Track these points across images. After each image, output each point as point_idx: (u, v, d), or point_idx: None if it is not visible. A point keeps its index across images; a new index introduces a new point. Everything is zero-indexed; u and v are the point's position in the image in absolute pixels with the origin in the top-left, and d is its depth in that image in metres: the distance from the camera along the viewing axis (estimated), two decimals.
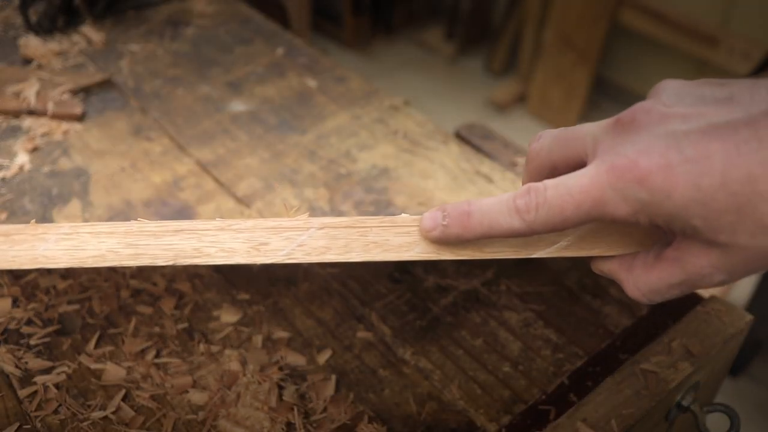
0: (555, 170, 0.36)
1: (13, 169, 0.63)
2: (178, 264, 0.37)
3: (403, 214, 0.38)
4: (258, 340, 0.48)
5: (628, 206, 0.31)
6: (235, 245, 0.37)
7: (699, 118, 0.30)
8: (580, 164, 0.34)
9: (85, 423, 0.43)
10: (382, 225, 0.38)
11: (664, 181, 0.29)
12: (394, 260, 0.37)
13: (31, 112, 0.69)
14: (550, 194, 0.32)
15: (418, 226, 0.38)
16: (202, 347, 0.48)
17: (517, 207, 0.33)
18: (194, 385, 0.45)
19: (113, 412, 0.43)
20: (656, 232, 0.36)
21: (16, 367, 0.46)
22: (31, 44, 0.79)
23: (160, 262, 0.37)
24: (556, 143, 0.36)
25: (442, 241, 0.37)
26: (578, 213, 0.32)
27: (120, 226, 0.38)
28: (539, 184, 0.33)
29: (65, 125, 0.68)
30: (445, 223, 0.36)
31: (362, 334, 0.49)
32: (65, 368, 0.46)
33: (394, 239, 0.37)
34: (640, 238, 0.37)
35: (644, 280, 0.34)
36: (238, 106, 0.72)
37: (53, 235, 0.38)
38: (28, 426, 0.42)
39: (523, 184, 0.36)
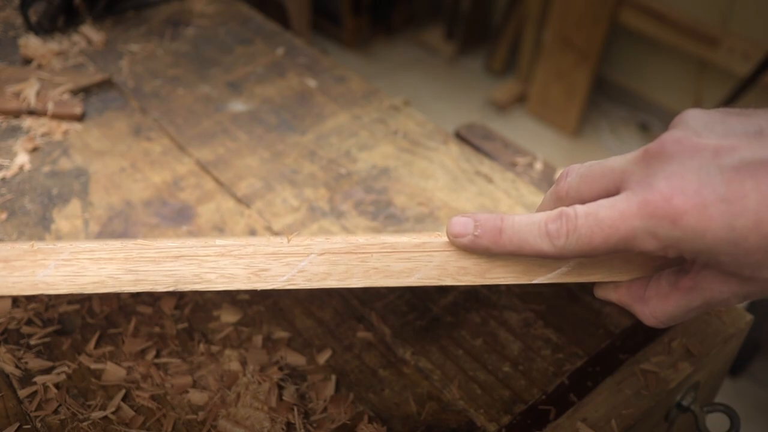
0: None
1: (13, 169, 0.63)
2: (178, 290, 0.37)
3: (403, 238, 0.38)
4: (258, 340, 0.48)
5: (658, 242, 0.31)
6: (236, 271, 0.37)
7: (731, 153, 0.29)
8: None
9: (85, 423, 0.43)
10: (382, 251, 0.37)
11: (698, 221, 0.29)
12: (395, 286, 0.37)
13: (31, 112, 0.69)
14: (581, 223, 0.32)
15: (418, 251, 0.37)
16: (202, 347, 0.48)
17: (549, 231, 0.33)
18: (194, 385, 0.45)
19: (113, 412, 0.43)
20: (659, 258, 0.36)
21: (16, 367, 0.46)
22: (31, 44, 0.79)
23: (161, 288, 0.37)
24: (584, 183, 0.35)
25: (468, 250, 0.37)
26: (606, 245, 0.32)
27: (119, 252, 0.38)
28: (570, 211, 0.33)
29: (65, 125, 0.68)
30: (477, 233, 0.35)
31: (362, 334, 0.49)
32: (65, 368, 0.46)
33: (394, 265, 0.37)
34: (640, 263, 0.37)
35: (661, 309, 0.35)
36: (238, 106, 0.72)
37: (53, 261, 0.38)
38: (28, 426, 0.42)
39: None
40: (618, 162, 0.33)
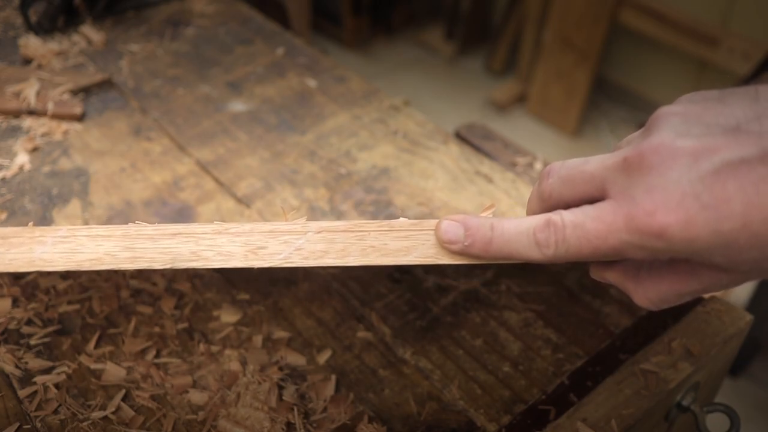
0: (568, 208, 0.36)
1: (13, 169, 0.63)
2: (175, 267, 0.37)
3: (401, 219, 0.38)
4: (258, 340, 0.48)
5: (647, 253, 0.31)
6: (233, 249, 0.37)
7: (711, 156, 0.29)
8: (592, 202, 0.34)
9: (85, 423, 0.43)
10: (380, 229, 0.38)
11: (684, 232, 0.29)
12: (392, 264, 0.37)
13: (31, 112, 0.69)
14: (569, 233, 0.33)
15: (415, 230, 0.38)
16: (202, 347, 0.48)
17: (538, 240, 0.34)
18: (194, 385, 0.45)
19: (113, 412, 0.43)
20: None
21: (16, 367, 0.46)
22: (31, 44, 0.79)
23: (158, 266, 0.37)
24: (566, 187, 0.35)
25: (460, 255, 0.37)
26: (596, 255, 0.33)
27: (117, 230, 0.38)
28: (558, 219, 0.33)
29: (65, 125, 0.68)
30: (467, 243, 0.36)
31: (362, 334, 0.49)
32: (65, 368, 0.46)
33: (392, 243, 0.37)
34: None
35: (654, 290, 0.35)
36: (238, 106, 0.72)
37: (50, 238, 0.38)
38: (28, 426, 0.42)
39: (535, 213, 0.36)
40: (597, 168, 0.33)
